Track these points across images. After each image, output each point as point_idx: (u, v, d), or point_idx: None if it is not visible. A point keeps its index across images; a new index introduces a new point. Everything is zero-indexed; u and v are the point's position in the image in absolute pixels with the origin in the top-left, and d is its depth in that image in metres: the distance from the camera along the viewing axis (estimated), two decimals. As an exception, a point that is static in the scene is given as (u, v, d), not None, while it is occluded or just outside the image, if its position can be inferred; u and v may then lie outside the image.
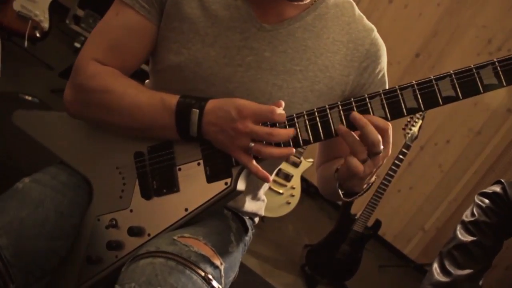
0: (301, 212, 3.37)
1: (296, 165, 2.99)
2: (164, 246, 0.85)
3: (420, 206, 3.81)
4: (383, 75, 1.07)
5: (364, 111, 0.84)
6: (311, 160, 3.03)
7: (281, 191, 2.95)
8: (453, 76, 0.81)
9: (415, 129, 2.68)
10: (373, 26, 1.06)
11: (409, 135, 2.65)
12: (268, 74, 0.98)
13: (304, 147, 3.01)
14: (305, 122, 0.88)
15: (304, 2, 0.95)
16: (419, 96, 0.82)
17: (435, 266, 1.64)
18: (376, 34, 1.05)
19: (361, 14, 1.06)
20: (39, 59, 3.29)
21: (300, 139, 0.88)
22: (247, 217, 1.18)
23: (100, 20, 1.02)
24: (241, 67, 0.98)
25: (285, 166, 2.97)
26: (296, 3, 0.96)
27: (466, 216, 1.66)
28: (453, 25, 3.57)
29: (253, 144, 0.87)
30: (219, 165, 0.92)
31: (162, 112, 0.92)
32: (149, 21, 0.99)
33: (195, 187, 0.93)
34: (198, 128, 0.90)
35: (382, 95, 0.84)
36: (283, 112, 0.86)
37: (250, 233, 1.18)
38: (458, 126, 3.67)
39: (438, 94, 0.82)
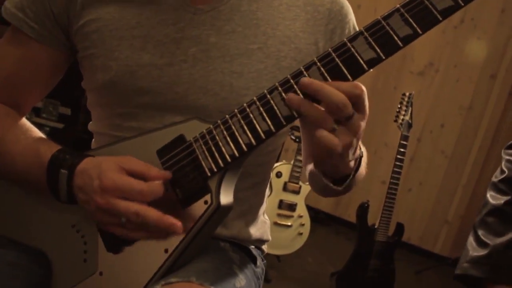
0: (316, 241, 3.13)
1: (296, 192, 2.78)
2: None
3: (436, 199, 3.60)
4: None
5: (348, 58, 0.66)
6: (310, 182, 2.83)
7: (289, 223, 2.72)
8: None
9: (407, 117, 2.52)
10: None
11: (404, 125, 2.48)
12: (221, 62, 0.81)
13: (299, 170, 2.83)
14: (259, 109, 0.69)
15: None
16: (410, 19, 0.65)
17: (470, 240, 1.40)
18: None
19: None
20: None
21: (260, 131, 0.69)
22: (252, 246, 0.97)
23: None
24: (186, 63, 0.81)
25: (285, 196, 2.75)
26: None
27: (495, 177, 1.44)
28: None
29: (124, 220, 0.68)
30: (191, 182, 0.72)
31: (35, 168, 0.77)
32: (44, 44, 0.84)
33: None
34: (69, 193, 0.73)
35: (365, 32, 0.66)
36: (159, 187, 0.69)
37: (260, 263, 0.96)
38: (447, 107, 3.53)
39: (433, 10, 0.64)
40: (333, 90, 0.63)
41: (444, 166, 3.57)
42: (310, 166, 0.90)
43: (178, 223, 0.67)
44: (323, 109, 0.64)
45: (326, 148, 0.63)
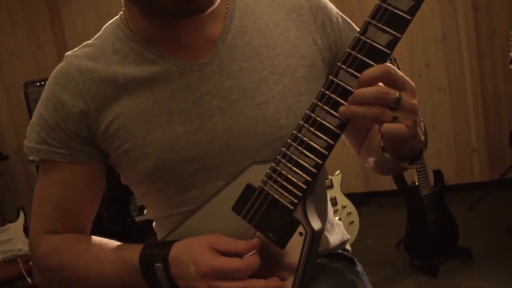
0: (366, 222, 3.15)
1: (330, 187, 2.82)
2: None
3: (454, 135, 3.63)
4: (342, 18, 0.93)
5: (369, 50, 0.69)
6: (338, 172, 2.86)
7: (337, 218, 2.74)
8: None
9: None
10: None
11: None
12: (244, 100, 0.84)
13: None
14: (310, 130, 0.72)
15: (213, 7, 0.78)
16: None
17: None
18: None
19: None
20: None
21: (321, 148, 0.72)
22: (340, 250, 1.00)
23: (35, 189, 0.91)
24: (215, 116, 0.83)
25: (321, 195, 2.77)
26: (207, 11, 0.78)
27: None
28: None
29: None
30: (279, 222, 0.74)
31: (130, 275, 0.80)
32: (79, 163, 0.86)
33: (275, 263, 0.75)
34: (171, 283, 0.76)
35: (372, 20, 0.69)
36: (253, 260, 0.72)
37: (356, 261, 0.99)
38: (423, 46, 3.58)
39: None
40: (363, 90, 0.66)
41: (447, 100, 3.61)
42: (373, 157, 0.91)
43: (285, 284, 0.71)
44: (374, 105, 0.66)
45: (397, 138, 0.66)
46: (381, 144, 0.77)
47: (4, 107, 4.21)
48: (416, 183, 2.52)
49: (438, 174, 2.59)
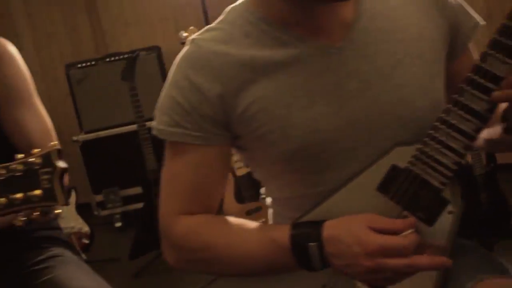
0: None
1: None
2: None
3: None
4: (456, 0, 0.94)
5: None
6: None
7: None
8: None
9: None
10: None
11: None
12: (383, 82, 0.85)
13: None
14: (458, 113, 0.75)
15: None
16: None
17: None
18: None
19: None
20: (101, 260, 3.20)
21: (470, 130, 0.75)
22: None
23: (162, 171, 0.93)
24: (355, 98, 0.85)
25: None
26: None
27: None
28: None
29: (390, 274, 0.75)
30: (428, 202, 0.78)
31: (278, 254, 0.82)
32: (211, 146, 0.88)
33: (422, 241, 0.78)
34: (322, 261, 0.79)
35: None
36: (414, 237, 0.75)
37: None
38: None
39: None
40: None
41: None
42: (487, 136, 0.92)
43: (448, 261, 0.74)
44: None
45: None
46: (504, 126, 0.80)
47: (43, 88, 4.26)
48: (469, 163, 2.52)
49: (490, 153, 2.59)
